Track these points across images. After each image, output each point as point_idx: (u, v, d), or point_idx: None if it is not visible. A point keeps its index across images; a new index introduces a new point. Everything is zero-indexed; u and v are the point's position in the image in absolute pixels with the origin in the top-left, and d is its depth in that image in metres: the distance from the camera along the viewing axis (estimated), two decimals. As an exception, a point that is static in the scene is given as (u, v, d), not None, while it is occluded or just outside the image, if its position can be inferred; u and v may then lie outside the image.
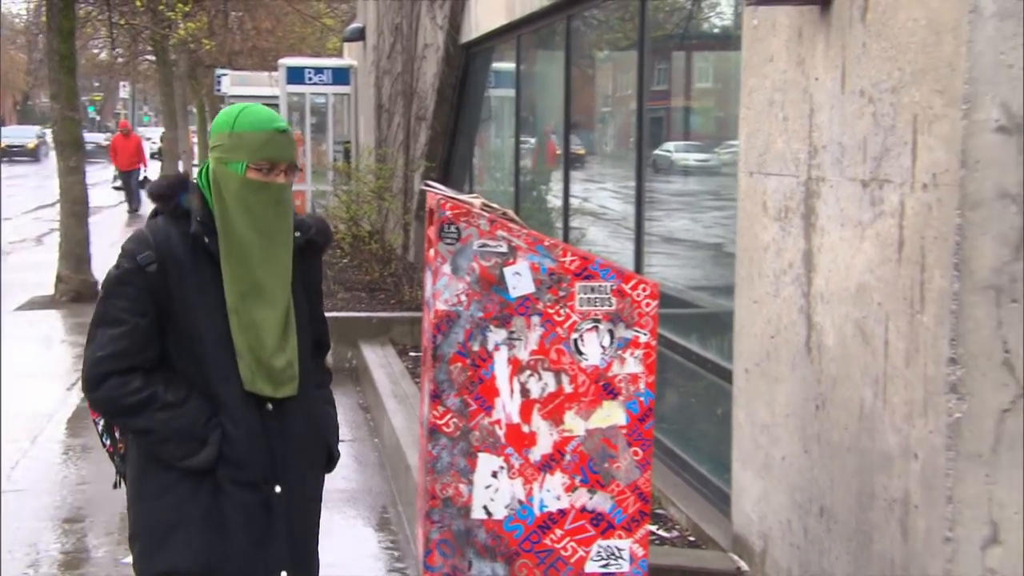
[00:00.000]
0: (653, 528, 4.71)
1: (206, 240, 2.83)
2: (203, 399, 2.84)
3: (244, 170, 2.82)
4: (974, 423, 2.99)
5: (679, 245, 6.48)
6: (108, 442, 3.05)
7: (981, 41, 2.89)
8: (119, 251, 2.84)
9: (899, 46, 3.21)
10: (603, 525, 3.40)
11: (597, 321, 3.39)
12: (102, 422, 3.03)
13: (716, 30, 6.14)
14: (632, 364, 3.41)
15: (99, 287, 2.92)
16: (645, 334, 3.41)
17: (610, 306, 3.39)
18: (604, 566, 3.41)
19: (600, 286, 3.39)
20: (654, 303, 3.41)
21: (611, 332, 3.40)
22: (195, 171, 3.14)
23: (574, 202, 8.06)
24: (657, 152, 6.61)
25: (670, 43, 6.63)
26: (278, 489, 2.90)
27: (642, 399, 3.41)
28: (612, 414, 3.41)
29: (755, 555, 4.23)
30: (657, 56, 6.54)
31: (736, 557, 4.37)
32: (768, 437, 4.13)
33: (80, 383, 2.94)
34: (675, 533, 4.82)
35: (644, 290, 3.41)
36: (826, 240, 3.69)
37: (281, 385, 2.88)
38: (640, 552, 3.42)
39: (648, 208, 6.36)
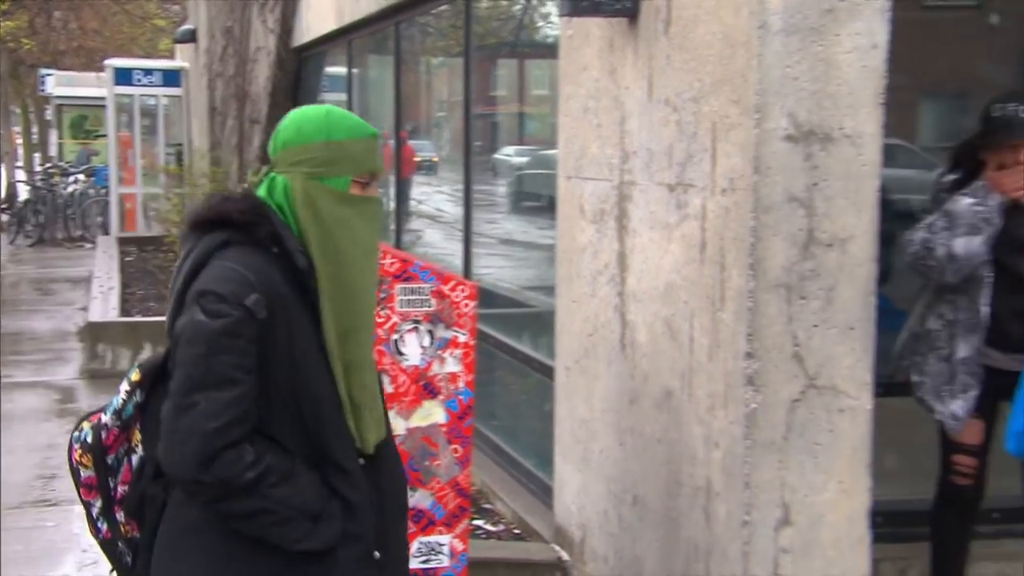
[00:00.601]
0: (480, 522, 4.84)
1: (308, 275, 2.35)
2: (308, 466, 2.35)
3: (348, 185, 2.39)
4: (768, 413, 3.19)
5: (515, 247, 6.64)
6: (105, 527, 2.47)
7: (769, 55, 3.09)
8: (206, 295, 2.26)
9: (699, 58, 3.40)
10: (424, 521, 3.50)
11: (417, 322, 3.48)
12: (99, 503, 2.46)
13: (543, 38, 6.31)
14: (451, 363, 3.52)
15: (180, 340, 2.27)
16: (464, 334, 3.52)
17: (430, 307, 3.49)
18: (425, 562, 3.50)
19: (420, 288, 3.49)
20: (472, 304, 3.52)
21: (431, 333, 3.50)
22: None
23: (410, 205, 8.15)
24: (497, 156, 6.75)
25: (498, 50, 6.78)
26: (376, 554, 2.45)
27: (462, 397, 3.51)
28: (432, 413, 3.51)
29: (575, 545, 4.39)
30: (484, 62, 6.68)
31: (558, 548, 4.53)
32: (587, 431, 4.29)
33: (170, 466, 2.27)
34: (501, 527, 4.96)
35: (463, 291, 3.52)
36: (638, 242, 3.86)
37: (381, 433, 2.49)
38: (460, 547, 3.53)
39: (477, 210, 6.49)
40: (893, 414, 3.83)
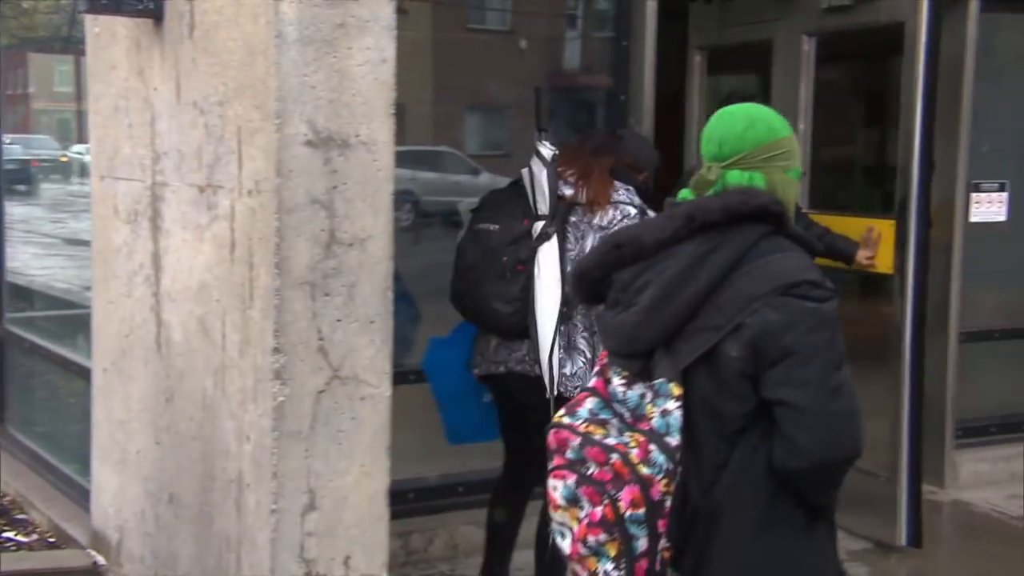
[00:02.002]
0: (11, 534, 4.65)
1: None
2: None
3: (800, 176, 2.51)
4: (295, 405, 3.34)
5: (81, 247, 6.45)
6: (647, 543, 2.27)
7: (287, 63, 3.24)
8: (803, 284, 2.23)
9: (223, 63, 3.49)
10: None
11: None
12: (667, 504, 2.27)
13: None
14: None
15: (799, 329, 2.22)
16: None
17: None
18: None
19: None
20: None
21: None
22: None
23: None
24: (72, 154, 6.50)
25: (50, 44, 6.52)
26: None
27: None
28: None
29: (112, 548, 4.34)
30: (18, 60, 6.39)
31: (94, 552, 4.45)
32: (124, 432, 4.26)
33: (832, 450, 2.23)
34: (35, 536, 4.80)
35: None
36: (171, 242, 3.89)
37: None
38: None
39: (40, 209, 6.24)
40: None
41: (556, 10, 5.46)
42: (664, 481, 2.25)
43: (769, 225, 2.32)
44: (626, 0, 5.11)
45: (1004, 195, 6.07)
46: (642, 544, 2.26)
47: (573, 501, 2.32)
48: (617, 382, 2.40)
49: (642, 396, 2.34)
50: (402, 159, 3.96)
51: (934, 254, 5.16)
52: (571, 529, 2.33)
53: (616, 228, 3.55)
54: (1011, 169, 6.02)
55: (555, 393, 3.63)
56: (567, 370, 3.68)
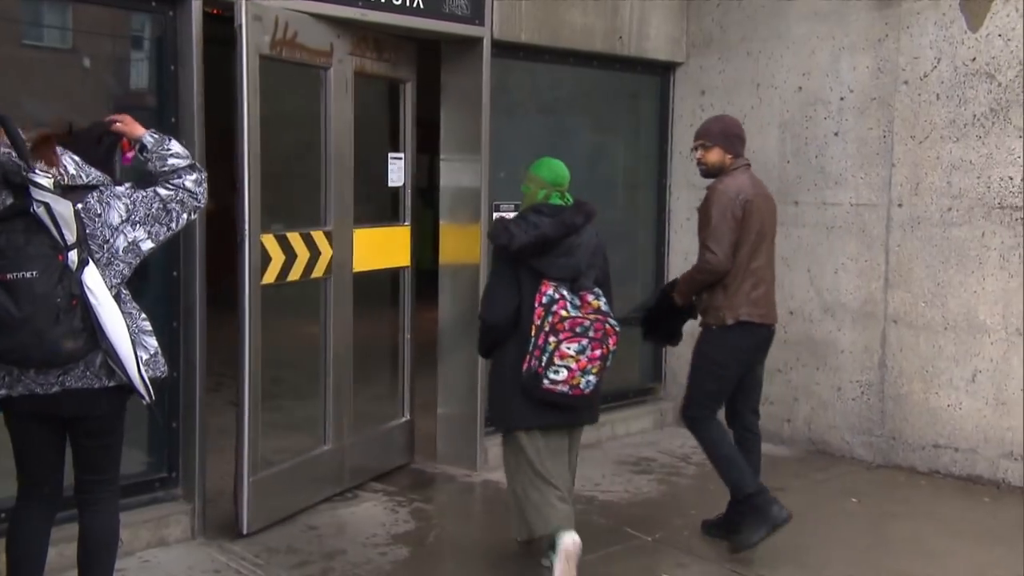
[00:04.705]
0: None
1: None
2: None
3: None
4: None
5: None
6: None
7: None
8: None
9: None
10: None
11: None
12: None
13: None
14: None
15: None
16: None
17: None
18: None
19: None
20: None
21: None
22: None
23: None
24: None
25: None
26: None
27: None
28: None
29: None
30: None
31: None
32: None
33: None
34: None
35: None
36: None
37: None
38: None
39: None
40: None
41: (116, 30, 5.44)
42: (616, 334, 4.80)
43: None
44: (172, 24, 5.28)
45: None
46: (606, 363, 4.80)
47: (581, 351, 4.66)
48: (566, 292, 4.75)
49: (583, 296, 4.78)
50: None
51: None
52: (568, 368, 4.67)
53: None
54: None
55: (149, 388, 3.73)
56: (146, 355, 3.79)
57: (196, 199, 3.88)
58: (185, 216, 3.87)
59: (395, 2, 6.13)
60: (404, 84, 6.64)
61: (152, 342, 3.86)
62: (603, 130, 7.91)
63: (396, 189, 6.69)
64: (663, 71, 8.03)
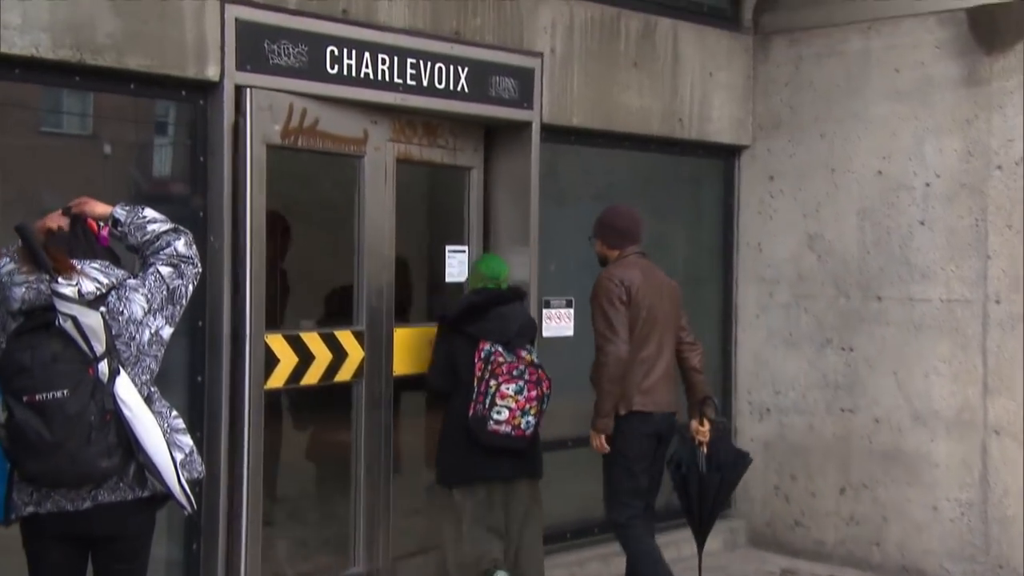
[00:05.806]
0: None
1: None
2: None
3: None
4: None
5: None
6: None
7: None
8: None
9: None
10: None
11: None
12: None
13: None
14: None
15: None
16: None
17: None
18: None
19: None
20: None
21: None
22: None
23: None
24: None
25: None
26: None
27: None
28: None
29: None
30: None
31: None
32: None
33: None
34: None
35: None
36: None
37: None
38: None
39: None
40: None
41: (139, 117, 5.22)
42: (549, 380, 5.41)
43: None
44: (203, 112, 5.03)
45: (571, 311, 6.42)
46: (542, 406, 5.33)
47: (519, 392, 5.26)
48: (500, 348, 5.32)
49: (516, 351, 5.38)
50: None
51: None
52: (509, 408, 5.24)
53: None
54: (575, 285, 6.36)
55: (190, 497, 3.55)
56: (181, 456, 3.58)
57: (193, 263, 3.68)
58: (190, 287, 3.68)
59: (437, 86, 5.77)
60: (468, 171, 6.19)
61: (187, 441, 3.66)
62: (662, 218, 7.29)
63: (454, 284, 6.14)
64: (727, 155, 7.47)
